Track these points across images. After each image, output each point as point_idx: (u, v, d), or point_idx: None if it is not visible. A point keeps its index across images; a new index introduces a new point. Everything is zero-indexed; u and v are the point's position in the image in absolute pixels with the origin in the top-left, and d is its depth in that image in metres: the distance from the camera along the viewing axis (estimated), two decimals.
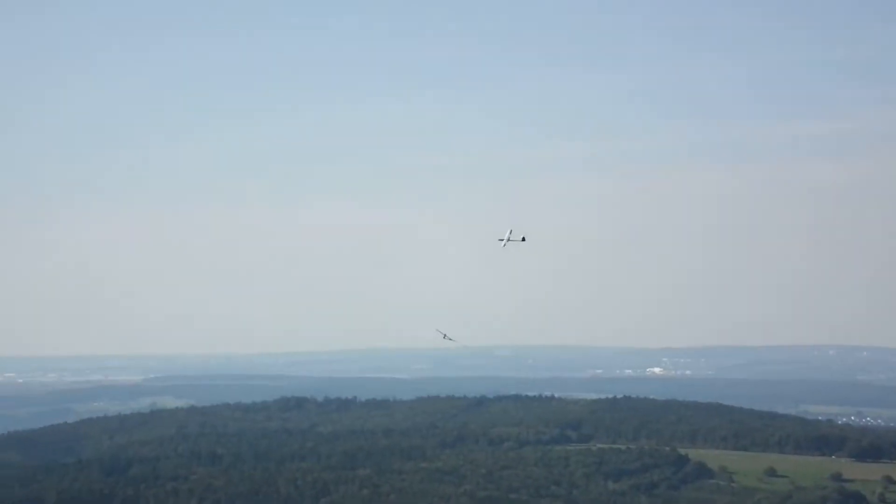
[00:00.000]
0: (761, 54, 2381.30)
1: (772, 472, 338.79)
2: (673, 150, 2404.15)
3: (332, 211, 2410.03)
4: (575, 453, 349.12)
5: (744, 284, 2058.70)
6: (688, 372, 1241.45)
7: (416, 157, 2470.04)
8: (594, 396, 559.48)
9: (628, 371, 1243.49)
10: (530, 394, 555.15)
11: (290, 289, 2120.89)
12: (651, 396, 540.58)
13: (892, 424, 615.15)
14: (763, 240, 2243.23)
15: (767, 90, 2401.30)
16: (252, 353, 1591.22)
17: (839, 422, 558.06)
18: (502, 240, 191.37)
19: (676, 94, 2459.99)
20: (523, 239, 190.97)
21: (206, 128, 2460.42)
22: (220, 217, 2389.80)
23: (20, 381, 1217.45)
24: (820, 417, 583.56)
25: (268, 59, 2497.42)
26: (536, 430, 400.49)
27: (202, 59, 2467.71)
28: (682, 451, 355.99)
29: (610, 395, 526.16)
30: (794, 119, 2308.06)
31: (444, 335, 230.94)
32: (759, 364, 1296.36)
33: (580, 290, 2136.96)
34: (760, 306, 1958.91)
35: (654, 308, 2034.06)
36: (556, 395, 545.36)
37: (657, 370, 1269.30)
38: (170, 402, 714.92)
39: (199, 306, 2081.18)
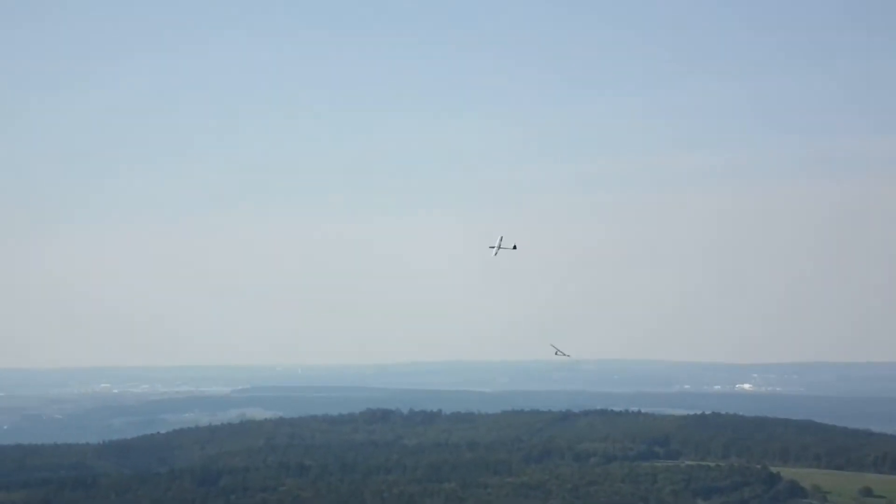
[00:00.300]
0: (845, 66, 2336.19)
1: (867, 492, 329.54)
2: (757, 164, 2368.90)
3: (400, 221, 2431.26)
4: (663, 470, 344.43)
5: (836, 299, 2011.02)
6: (778, 388, 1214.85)
7: (484, 171, 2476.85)
8: (682, 412, 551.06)
9: (717, 387, 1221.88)
10: (616, 409, 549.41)
11: (371, 300, 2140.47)
12: (741, 413, 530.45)
13: None
14: (855, 254, 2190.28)
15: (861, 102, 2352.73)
16: (337, 364, 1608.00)
17: None
18: (493, 247, 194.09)
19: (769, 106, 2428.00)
20: (514, 247, 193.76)
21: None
22: (298, 230, 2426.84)
23: (115, 391, 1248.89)
24: None
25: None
26: (623, 445, 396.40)
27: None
28: (774, 470, 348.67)
29: (698, 412, 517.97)
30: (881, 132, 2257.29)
31: (557, 351, 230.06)
32: (852, 381, 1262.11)
33: (667, 304, 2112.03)
34: (854, 322, 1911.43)
35: (744, 323, 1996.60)
36: (643, 411, 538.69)
37: (747, 386, 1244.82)
38: (258, 414, 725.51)
39: (284, 318, 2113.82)
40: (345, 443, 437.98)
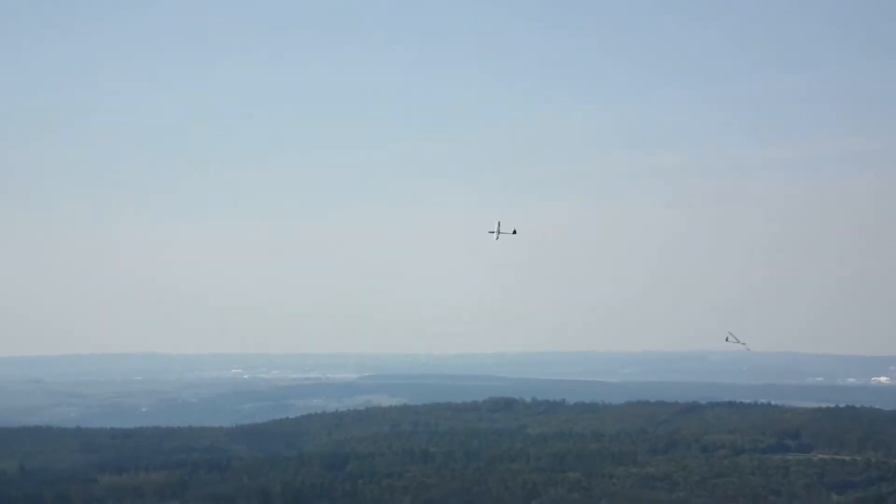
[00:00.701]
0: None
1: None
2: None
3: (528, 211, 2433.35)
4: (794, 463, 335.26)
5: None
6: None
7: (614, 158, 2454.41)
8: (814, 405, 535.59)
9: (851, 380, 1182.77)
10: (745, 401, 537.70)
11: (495, 290, 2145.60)
12: (877, 406, 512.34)
13: None
14: None
15: None
16: (462, 352, 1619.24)
17: None
18: (492, 232, 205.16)
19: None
20: (514, 231, 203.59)
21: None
22: (422, 221, 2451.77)
23: (246, 376, 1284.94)
24: None
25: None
26: (752, 437, 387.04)
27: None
28: None
29: (831, 404, 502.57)
30: None
31: (729, 336, 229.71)
32: None
33: (796, 295, 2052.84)
34: None
35: (881, 313, 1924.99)
36: (773, 403, 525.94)
37: (883, 379, 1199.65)
38: (384, 401, 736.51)
39: (409, 307, 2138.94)
40: (468, 430, 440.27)
